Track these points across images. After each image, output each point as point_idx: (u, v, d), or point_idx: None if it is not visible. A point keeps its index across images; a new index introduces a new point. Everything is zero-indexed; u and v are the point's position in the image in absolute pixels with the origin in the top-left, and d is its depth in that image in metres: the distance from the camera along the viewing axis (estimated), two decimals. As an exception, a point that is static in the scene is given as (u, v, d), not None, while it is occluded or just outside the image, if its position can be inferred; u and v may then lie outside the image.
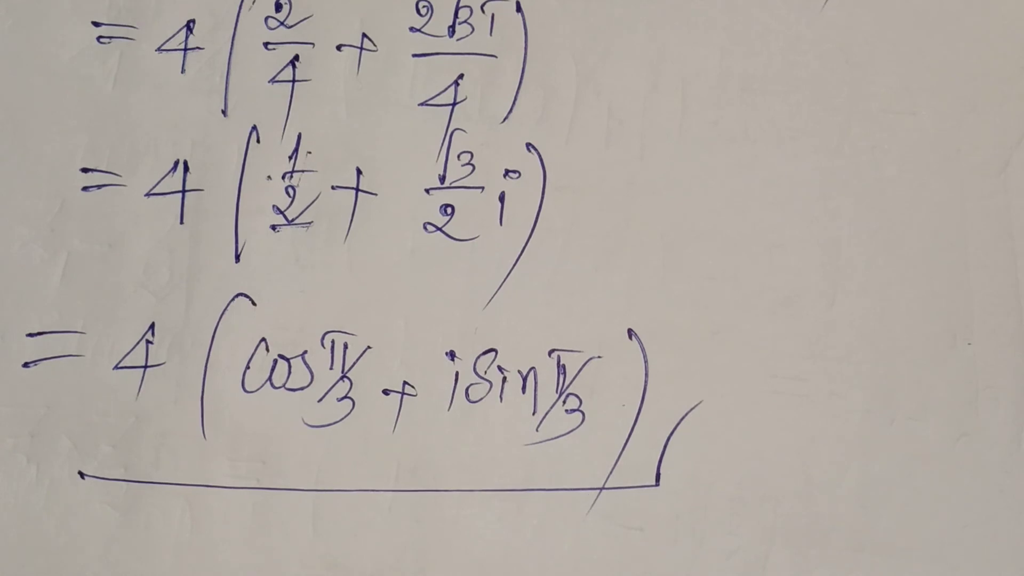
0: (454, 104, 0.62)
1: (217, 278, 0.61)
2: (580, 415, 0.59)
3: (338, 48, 0.63)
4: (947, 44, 0.61)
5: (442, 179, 0.61)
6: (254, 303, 0.61)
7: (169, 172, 0.62)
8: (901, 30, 0.61)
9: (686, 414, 0.58)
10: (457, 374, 0.59)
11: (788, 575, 0.57)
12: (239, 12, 0.63)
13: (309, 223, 0.61)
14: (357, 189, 0.61)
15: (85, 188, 0.62)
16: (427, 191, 0.61)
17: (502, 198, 0.61)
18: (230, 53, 0.63)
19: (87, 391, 0.60)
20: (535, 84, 0.62)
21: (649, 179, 0.60)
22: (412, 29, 0.63)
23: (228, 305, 0.61)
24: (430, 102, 0.62)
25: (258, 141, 0.62)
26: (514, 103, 0.62)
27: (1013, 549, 0.57)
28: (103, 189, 0.62)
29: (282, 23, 0.63)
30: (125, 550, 0.59)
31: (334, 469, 0.59)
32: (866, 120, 0.60)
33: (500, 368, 0.59)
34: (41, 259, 0.62)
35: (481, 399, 0.59)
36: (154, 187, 0.62)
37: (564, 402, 0.59)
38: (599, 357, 0.59)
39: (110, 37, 0.64)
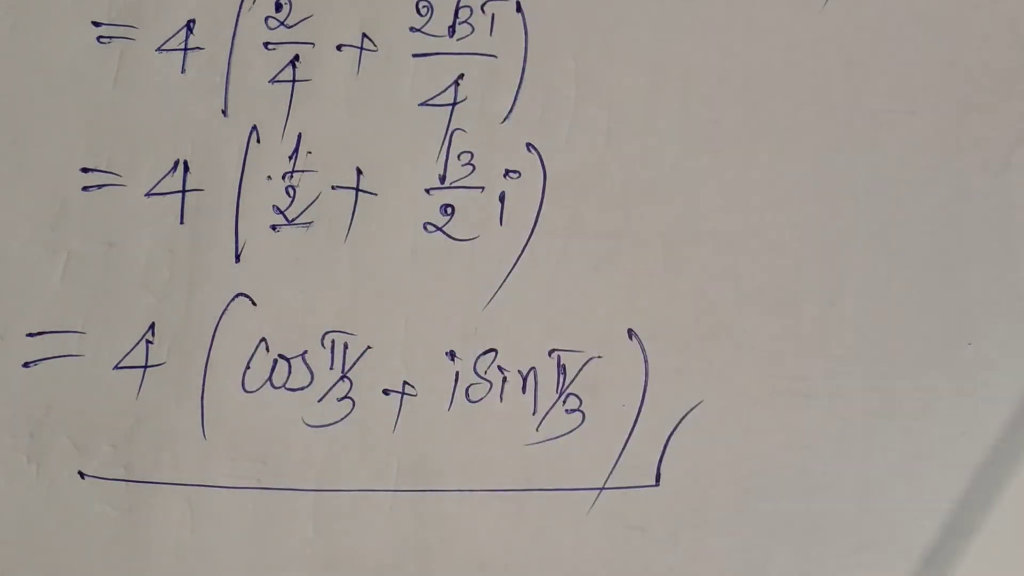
0: (454, 104, 0.62)
1: (217, 278, 0.61)
2: (580, 415, 0.59)
3: (338, 48, 0.63)
4: (947, 44, 0.61)
5: (442, 179, 0.61)
6: (254, 303, 0.61)
7: (169, 172, 0.62)
8: (901, 30, 0.61)
9: (686, 414, 0.58)
10: (457, 374, 0.59)
11: (788, 575, 0.57)
12: (239, 12, 0.63)
13: (309, 223, 0.61)
14: (357, 189, 0.61)
15: (85, 188, 0.62)
16: (427, 191, 0.61)
17: (502, 198, 0.61)
18: (230, 53, 0.63)
19: (87, 391, 0.60)
20: (535, 84, 0.62)
21: (649, 179, 0.60)
22: (412, 29, 0.63)
23: (228, 305, 0.61)
24: (430, 102, 0.62)
25: (258, 141, 0.62)
26: (514, 103, 0.62)
27: (1013, 549, 0.57)
28: (103, 189, 0.62)
29: (282, 23, 0.63)
30: (125, 550, 0.59)
31: (334, 469, 0.59)
32: (866, 120, 0.60)
33: (500, 368, 0.59)
34: (41, 259, 0.62)
35: (481, 399, 0.59)
36: (154, 187, 0.62)
37: (564, 402, 0.59)
38: (599, 357, 0.59)
39: (110, 37, 0.64)
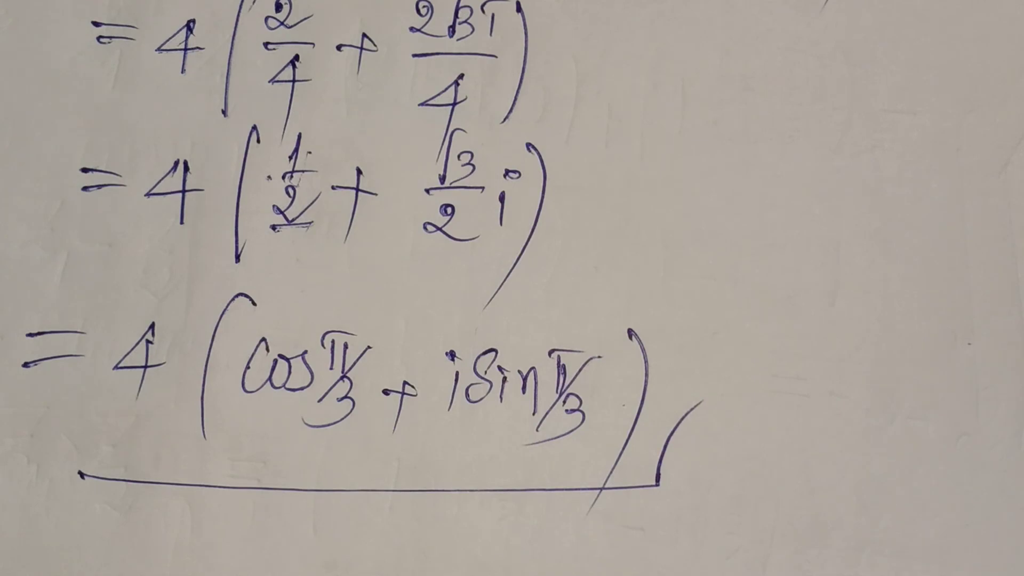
0: (454, 104, 0.62)
1: (217, 278, 0.61)
2: (580, 415, 0.59)
3: (338, 48, 0.63)
4: (947, 44, 0.61)
5: (442, 179, 0.61)
6: (254, 303, 0.61)
7: (169, 172, 0.62)
8: (901, 30, 0.61)
9: (686, 414, 0.58)
10: (457, 374, 0.59)
11: (788, 575, 0.57)
12: (239, 12, 0.63)
13: (309, 223, 0.61)
14: (357, 189, 0.61)
15: (85, 188, 0.62)
16: (427, 191, 0.61)
17: (502, 198, 0.61)
18: (230, 53, 0.63)
19: (87, 391, 0.60)
20: (535, 84, 0.62)
21: (649, 179, 0.60)
22: (412, 29, 0.63)
23: (228, 305, 0.61)
24: (430, 102, 0.62)
25: (258, 141, 0.62)
26: (514, 103, 0.62)
27: (1013, 549, 0.57)
28: (103, 189, 0.62)
29: (282, 23, 0.63)
30: (125, 550, 0.59)
31: (334, 469, 0.59)
32: (866, 120, 0.60)
33: (500, 368, 0.59)
34: (41, 259, 0.62)
35: (481, 399, 0.59)
36: (154, 187, 0.62)
37: (564, 402, 0.59)
38: (599, 357, 0.59)
39: (110, 37, 0.64)
